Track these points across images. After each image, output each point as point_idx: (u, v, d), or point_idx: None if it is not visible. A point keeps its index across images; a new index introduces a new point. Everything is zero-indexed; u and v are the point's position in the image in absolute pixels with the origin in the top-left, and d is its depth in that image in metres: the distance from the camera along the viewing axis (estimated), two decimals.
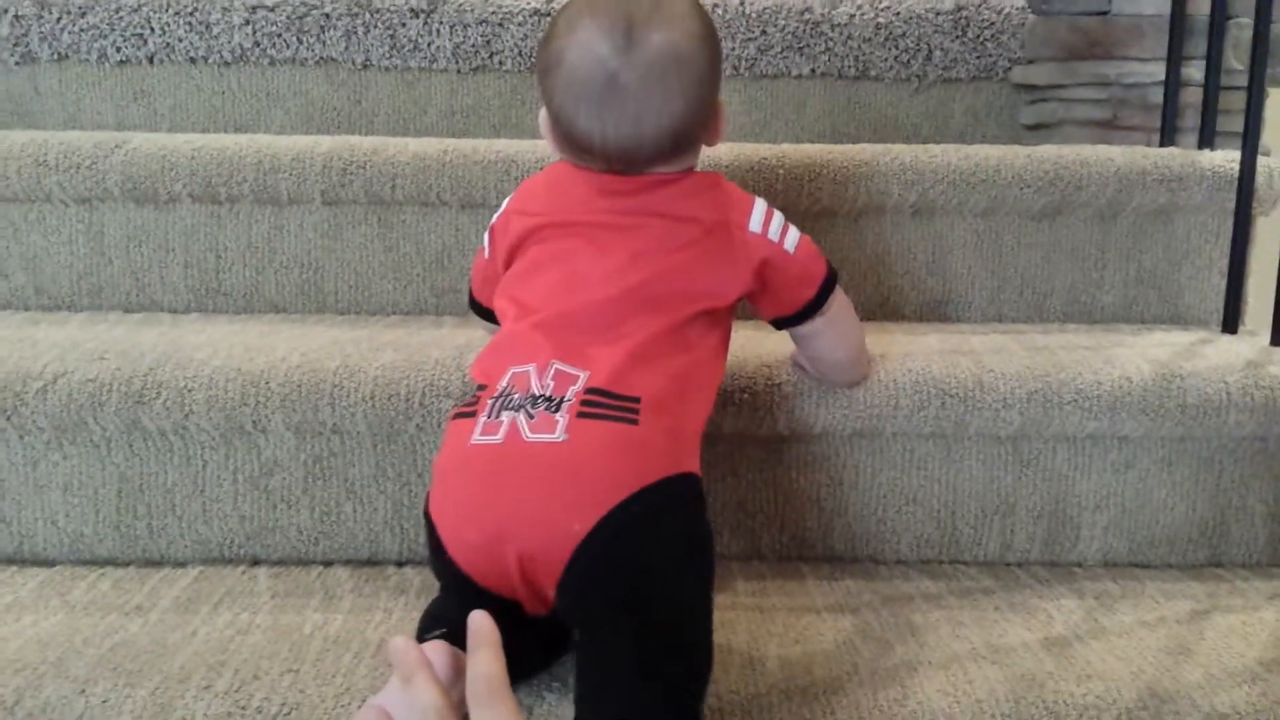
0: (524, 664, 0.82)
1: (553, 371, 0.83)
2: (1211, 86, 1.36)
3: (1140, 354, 1.09)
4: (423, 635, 0.80)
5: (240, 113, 1.52)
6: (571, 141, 0.91)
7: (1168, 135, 1.43)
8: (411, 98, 1.52)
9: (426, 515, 0.84)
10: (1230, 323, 1.24)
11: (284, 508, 1.06)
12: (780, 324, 0.98)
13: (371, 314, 1.28)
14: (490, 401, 0.83)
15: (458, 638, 0.72)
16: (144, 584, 1.01)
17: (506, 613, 0.74)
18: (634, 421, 0.81)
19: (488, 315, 1.02)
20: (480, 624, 0.66)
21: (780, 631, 0.92)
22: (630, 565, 0.78)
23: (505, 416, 0.82)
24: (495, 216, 0.99)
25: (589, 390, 0.82)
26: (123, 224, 1.26)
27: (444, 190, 1.25)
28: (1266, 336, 1.17)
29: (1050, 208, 1.27)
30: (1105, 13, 1.48)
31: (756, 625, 0.93)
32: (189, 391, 1.00)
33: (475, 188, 1.25)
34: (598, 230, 0.90)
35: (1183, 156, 1.27)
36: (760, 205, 0.94)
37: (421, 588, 1.00)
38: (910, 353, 1.08)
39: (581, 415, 0.80)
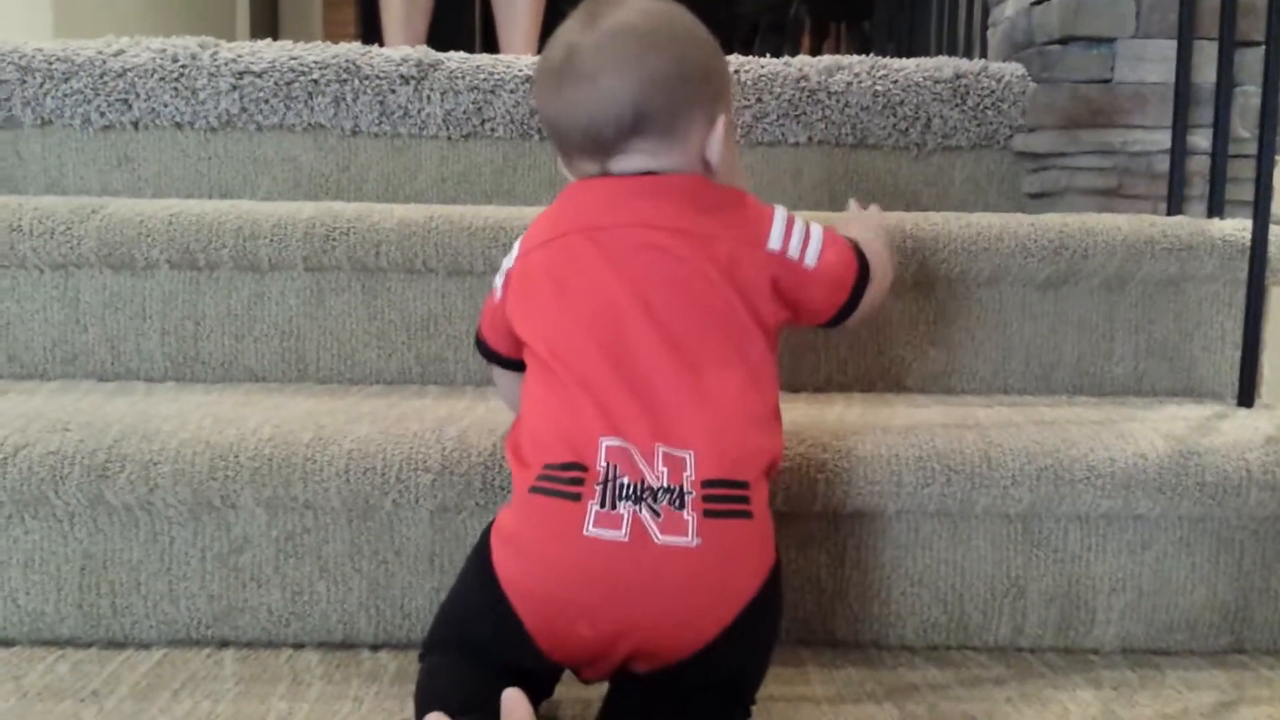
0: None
1: (660, 455, 0.79)
2: (1219, 154, 1.33)
3: (1154, 429, 1.04)
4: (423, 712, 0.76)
5: (226, 179, 1.49)
6: (554, 134, 0.91)
7: (1174, 204, 1.40)
8: (401, 164, 1.49)
9: (498, 589, 0.79)
10: (1246, 396, 1.19)
11: (254, 587, 1.00)
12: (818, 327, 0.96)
13: (354, 383, 1.23)
14: (599, 488, 0.79)
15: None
16: (104, 667, 0.95)
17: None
18: (750, 515, 0.80)
19: (494, 358, 0.98)
20: (515, 705, 0.67)
21: None
22: (743, 647, 0.80)
23: (624, 509, 0.78)
24: (510, 259, 0.94)
25: (706, 483, 0.79)
26: (99, 290, 1.22)
27: (430, 257, 1.21)
28: None
29: (1055, 277, 1.23)
30: (1108, 80, 1.46)
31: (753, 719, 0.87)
32: (154, 465, 0.95)
33: (462, 255, 1.21)
34: (600, 237, 0.86)
35: (1192, 225, 1.23)
36: (780, 218, 0.90)
37: (396, 674, 0.94)
38: (913, 426, 1.04)
39: (709, 515, 0.79)
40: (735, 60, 1.49)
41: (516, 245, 0.93)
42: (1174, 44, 1.40)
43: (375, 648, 1.00)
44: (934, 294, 1.25)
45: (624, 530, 0.77)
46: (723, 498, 0.79)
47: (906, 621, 1.02)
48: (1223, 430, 1.05)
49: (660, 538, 0.77)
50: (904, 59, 1.52)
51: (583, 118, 0.87)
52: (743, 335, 0.85)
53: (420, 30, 1.99)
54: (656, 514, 0.78)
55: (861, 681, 0.95)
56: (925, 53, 1.94)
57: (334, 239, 1.20)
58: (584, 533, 0.78)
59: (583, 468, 0.79)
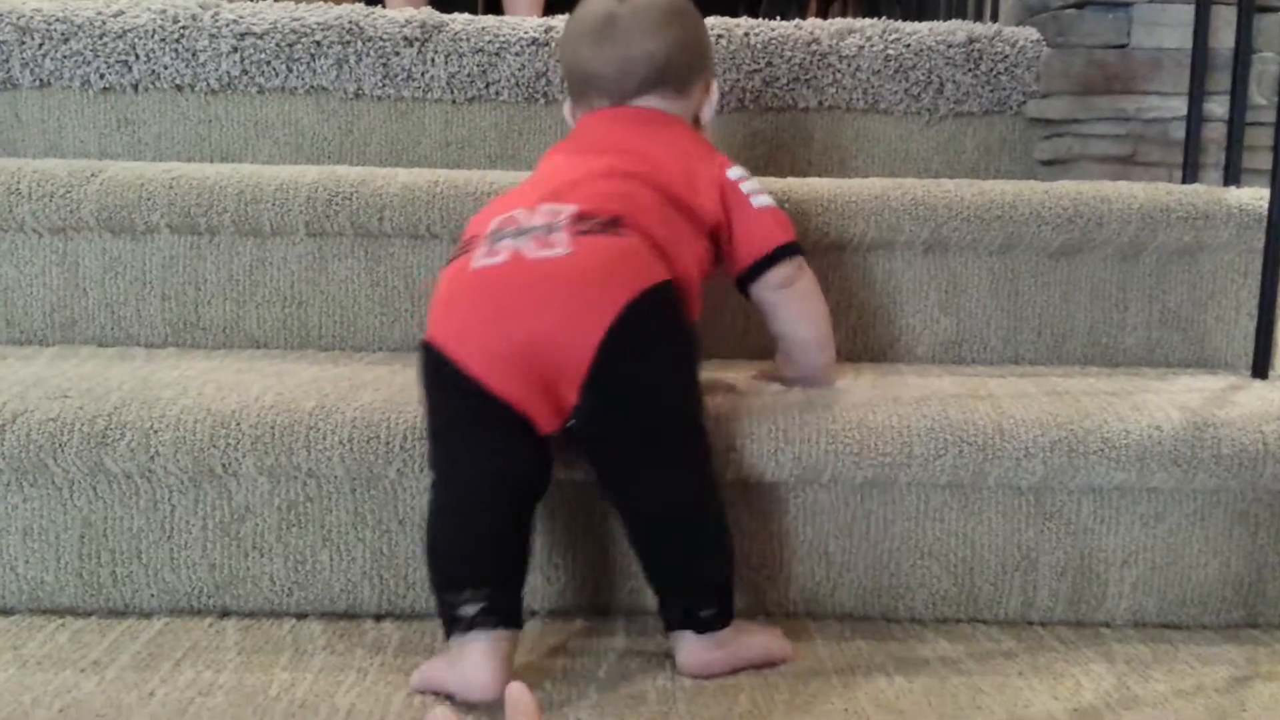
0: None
1: (541, 210, 0.93)
2: (1236, 122, 1.31)
3: (1169, 400, 1.03)
4: (451, 586, 0.86)
5: (227, 142, 1.47)
6: (577, 85, 1.09)
7: (1190, 172, 1.38)
8: (405, 128, 1.47)
9: (429, 346, 0.90)
10: (1261, 367, 1.18)
11: (256, 556, 0.99)
12: (742, 282, 1.03)
13: (357, 350, 1.22)
14: (485, 239, 0.92)
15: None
16: (105, 637, 0.94)
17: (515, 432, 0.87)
18: (621, 234, 0.91)
19: None
20: (519, 696, 0.70)
21: (786, 699, 0.85)
22: (644, 359, 0.88)
23: (503, 245, 0.90)
24: None
25: (577, 217, 0.91)
26: (98, 255, 1.20)
27: (434, 222, 1.19)
28: None
29: (1069, 245, 1.21)
30: (1124, 46, 1.43)
31: (760, 692, 0.86)
32: (155, 433, 0.94)
33: (467, 220, 1.18)
34: (588, 142, 1.05)
35: (1208, 194, 1.21)
36: (739, 167, 1.05)
37: (400, 644, 0.93)
38: (925, 396, 1.02)
39: (579, 234, 0.90)
40: (744, 24, 1.47)
41: None
42: (1191, 9, 1.38)
43: (379, 618, 0.99)
44: (945, 262, 1.23)
45: (503, 257, 0.90)
46: (594, 225, 0.91)
47: (916, 594, 1.01)
48: (1238, 402, 1.03)
49: (534, 254, 0.89)
50: (916, 23, 1.49)
51: (614, 70, 1.06)
52: (678, 217, 0.98)
53: None
54: (531, 241, 0.90)
55: (871, 654, 0.94)
56: (935, 17, 1.91)
57: (336, 204, 1.18)
58: (473, 268, 0.90)
59: (474, 237, 0.94)
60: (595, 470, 0.91)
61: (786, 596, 1.01)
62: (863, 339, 1.24)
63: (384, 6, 2.05)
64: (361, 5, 1.47)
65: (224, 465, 0.95)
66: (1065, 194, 1.21)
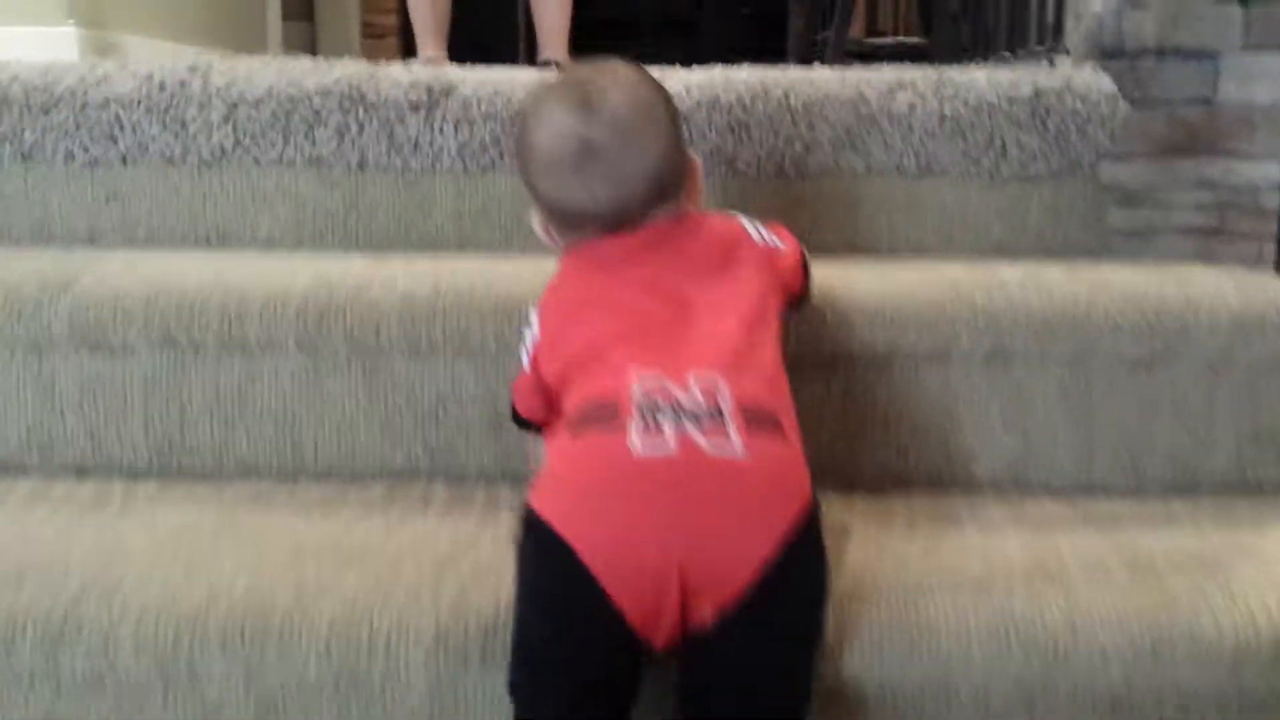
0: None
1: (693, 380, 0.81)
2: None
3: (1266, 578, 0.89)
4: None
5: (223, 217, 1.35)
6: (566, 218, 0.95)
7: None
8: (413, 199, 1.35)
9: (554, 541, 0.76)
10: None
11: None
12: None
13: (355, 478, 1.11)
14: (638, 410, 0.79)
15: None
16: None
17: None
18: (783, 439, 0.82)
19: (533, 428, 0.98)
20: None
21: None
22: (798, 587, 0.79)
23: (667, 426, 0.78)
24: (533, 333, 0.94)
25: (742, 405, 0.80)
26: (75, 373, 1.11)
27: (437, 337, 1.08)
28: None
29: (1149, 358, 1.07)
30: (1209, 101, 1.27)
31: None
32: (114, 632, 0.85)
33: (473, 334, 1.08)
34: (637, 282, 0.90)
35: None
36: (744, 218, 0.99)
37: None
38: (987, 574, 0.90)
39: (750, 432, 0.79)
40: (784, 81, 1.32)
41: (534, 316, 0.94)
42: None
43: None
44: (1009, 373, 1.09)
45: (672, 446, 0.77)
46: (761, 421, 0.81)
47: None
48: None
49: (710, 450, 0.77)
50: (973, 70, 1.34)
51: (615, 199, 0.92)
52: (757, 316, 0.89)
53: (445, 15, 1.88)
54: (700, 429, 0.78)
55: None
56: (994, 48, 1.74)
57: (329, 318, 1.07)
58: (631, 455, 0.77)
59: (615, 401, 0.81)
60: (688, 684, 0.80)
61: None
62: (915, 457, 1.12)
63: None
64: (364, 64, 1.34)
65: (189, 669, 0.85)
66: (1146, 298, 1.07)
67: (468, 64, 1.89)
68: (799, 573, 0.79)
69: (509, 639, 0.82)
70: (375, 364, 1.10)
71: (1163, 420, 1.10)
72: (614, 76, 0.94)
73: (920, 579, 0.89)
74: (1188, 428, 1.10)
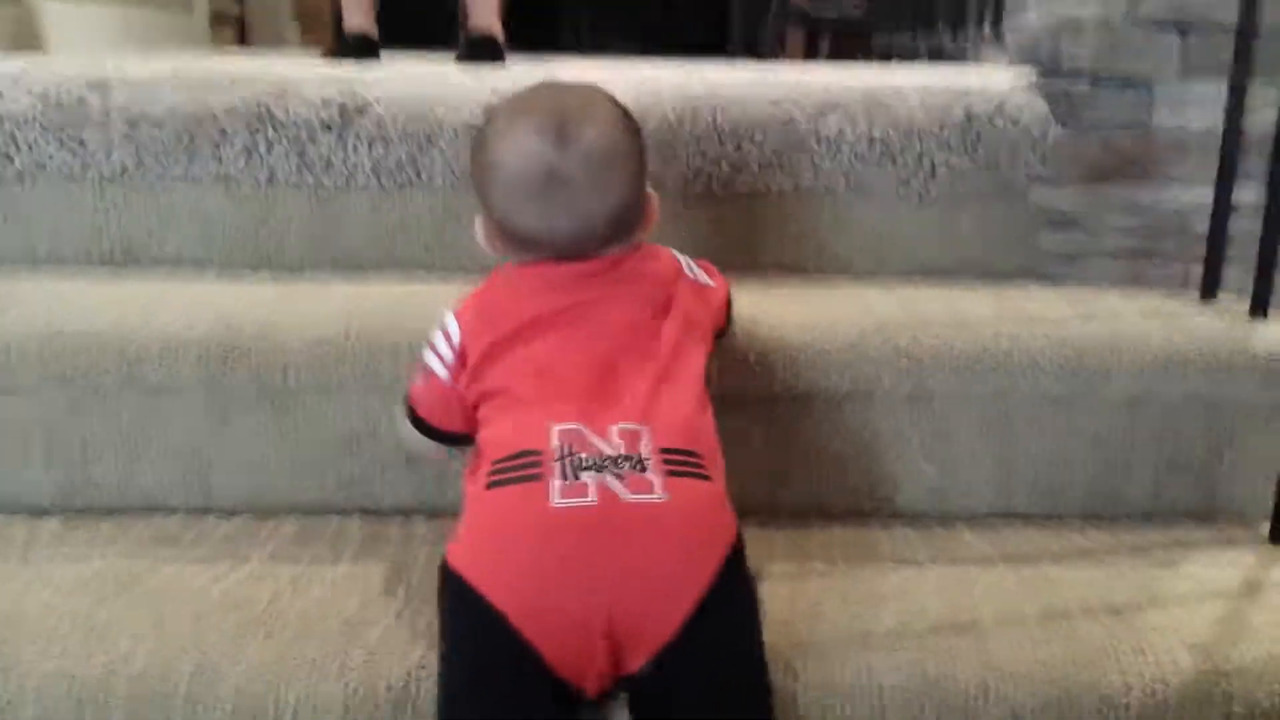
0: None
1: (615, 431, 0.81)
2: (1270, 234, 1.13)
3: (1174, 635, 0.89)
4: None
5: (129, 232, 1.30)
6: (517, 239, 0.93)
7: (1211, 279, 1.21)
8: (328, 216, 1.30)
9: (474, 597, 0.76)
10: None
11: None
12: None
13: (266, 515, 1.08)
14: (557, 463, 0.79)
15: None
16: None
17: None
18: (708, 477, 0.82)
19: (438, 436, 0.95)
20: None
21: None
22: (730, 623, 0.79)
23: (587, 478, 0.78)
24: (437, 338, 0.93)
25: (664, 450, 0.81)
26: None
27: (346, 377, 1.05)
28: None
29: (1070, 395, 1.07)
30: (1144, 126, 1.26)
31: None
32: (15, 709, 0.81)
33: (384, 372, 1.05)
34: (570, 314, 0.89)
35: (1230, 337, 1.07)
36: (679, 254, 0.99)
37: None
38: (901, 625, 0.89)
39: (672, 475, 0.80)
40: (714, 102, 1.29)
41: (451, 321, 0.92)
42: (1220, 88, 1.20)
43: None
44: (930, 408, 1.09)
45: (591, 495, 0.78)
46: (682, 462, 0.81)
47: None
48: (1253, 629, 0.90)
49: (628, 496, 0.78)
50: (906, 94, 1.31)
51: (574, 232, 0.91)
52: (685, 355, 0.90)
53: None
54: (620, 478, 0.78)
55: None
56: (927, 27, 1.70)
57: (233, 361, 1.04)
58: (551, 504, 0.78)
59: (536, 452, 0.80)
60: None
61: None
62: (837, 488, 1.11)
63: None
64: (275, 80, 1.28)
65: None
66: (1067, 341, 1.07)
67: (392, 46, 1.86)
68: (730, 606, 0.79)
69: (421, 704, 0.81)
70: (285, 402, 1.07)
71: (1082, 451, 1.11)
72: (592, 110, 0.92)
73: (834, 633, 0.88)
74: (1106, 458, 1.11)
